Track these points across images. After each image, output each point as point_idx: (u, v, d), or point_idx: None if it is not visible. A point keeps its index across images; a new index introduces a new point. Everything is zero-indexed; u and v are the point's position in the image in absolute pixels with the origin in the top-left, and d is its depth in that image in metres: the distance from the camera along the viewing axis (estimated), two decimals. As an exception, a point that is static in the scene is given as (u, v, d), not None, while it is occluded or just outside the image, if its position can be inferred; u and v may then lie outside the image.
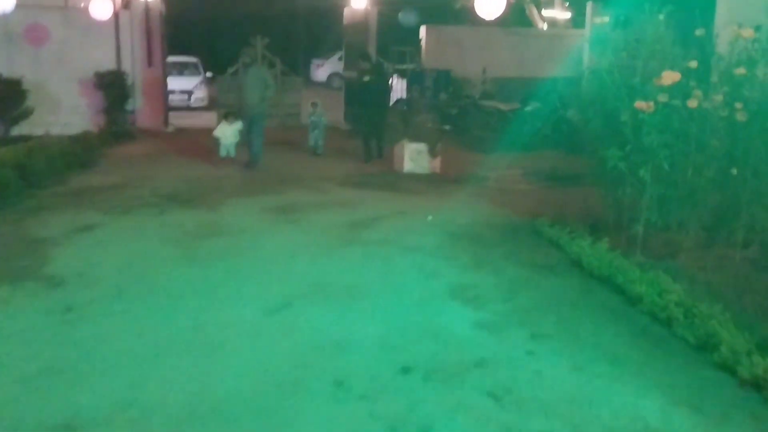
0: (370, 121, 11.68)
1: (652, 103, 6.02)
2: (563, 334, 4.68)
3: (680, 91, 6.04)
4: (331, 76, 27.23)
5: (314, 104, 12.42)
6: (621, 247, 6.27)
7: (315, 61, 28.92)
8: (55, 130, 14.04)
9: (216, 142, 11.07)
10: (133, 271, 5.87)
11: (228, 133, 11.12)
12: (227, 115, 11.31)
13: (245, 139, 11.02)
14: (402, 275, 5.87)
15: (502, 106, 13.85)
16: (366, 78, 11.67)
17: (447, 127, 14.02)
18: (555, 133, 12.86)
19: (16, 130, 14.49)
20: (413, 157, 10.76)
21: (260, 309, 5.04)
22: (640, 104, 6.07)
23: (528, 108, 13.42)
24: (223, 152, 11.09)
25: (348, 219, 7.73)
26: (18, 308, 5.03)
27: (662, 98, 6.00)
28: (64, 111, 14.94)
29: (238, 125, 11.03)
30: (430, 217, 7.90)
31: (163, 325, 4.73)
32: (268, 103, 11.20)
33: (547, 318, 4.97)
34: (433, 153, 10.79)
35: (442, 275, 5.87)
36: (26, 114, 14.57)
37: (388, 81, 12.10)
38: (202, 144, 12.30)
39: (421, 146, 10.80)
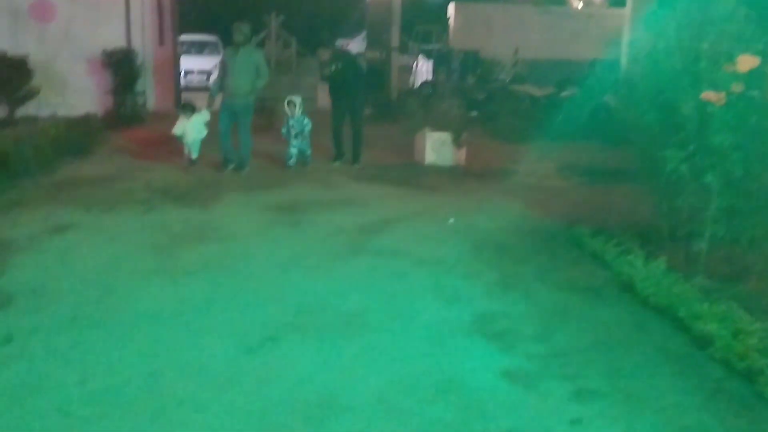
0: (341, 117, 9.66)
1: (723, 94, 4.94)
2: (615, 392, 3.67)
3: (759, 79, 4.95)
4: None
5: (290, 103, 9.19)
6: (679, 265, 5.23)
7: (340, 41, 27.89)
8: (63, 112, 13.23)
9: (179, 141, 9.11)
10: (97, 288, 4.96)
11: (189, 129, 8.95)
12: (184, 107, 9.18)
13: (228, 136, 8.87)
14: (414, 299, 4.89)
15: (535, 91, 12.72)
16: (333, 68, 9.58)
17: (474, 114, 12.96)
18: (593, 121, 11.73)
19: (22, 111, 13.75)
20: (435, 147, 9.73)
21: (237, 345, 4.09)
22: (708, 95, 5.00)
23: (563, 93, 12.30)
24: (193, 153, 9.08)
25: (357, 221, 6.75)
26: (-55, 338, 4.14)
27: (736, 88, 4.92)
28: (71, 91, 14.07)
29: (201, 117, 8.98)
30: (451, 220, 6.90)
31: (112, 369, 3.80)
32: (258, 94, 9.17)
33: (593, 366, 3.95)
34: (457, 143, 9.75)
35: (463, 299, 4.88)
36: (32, 94, 13.76)
37: (359, 70, 10.12)
38: (214, 128, 11.17)
39: (445, 136, 9.76)
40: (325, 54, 9.99)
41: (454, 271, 5.44)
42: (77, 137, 10.65)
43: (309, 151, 9.39)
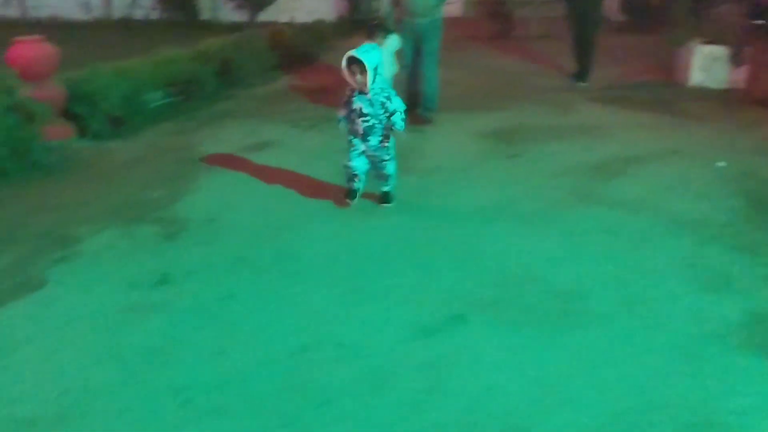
0: (578, 20, 7.90)
1: None
2: None
3: None
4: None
5: (353, 63, 4.21)
6: None
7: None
8: (301, 17, 13.13)
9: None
10: (276, 223, 4.33)
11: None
12: (374, 30, 6.12)
13: (409, 69, 6.59)
14: (658, 279, 3.57)
15: None
16: None
17: (761, 23, 10.41)
18: None
19: (263, 17, 13.90)
20: (705, 65, 7.82)
21: (411, 323, 3.18)
22: None
23: None
24: None
25: (590, 157, 5.42)
26: (97, 275, 3.74)
27: None
28: (308, -4, 13.94)
29: (392, 44, 6.36)
30: (720, 164, 5.28)
31: (256, 337, 3.09)
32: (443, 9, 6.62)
33: None
34: (736, 60, 7.72)
35: (731, 287, 3.47)
36: (271, -1, 13.86)
37: None
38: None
39: (718, 50, 7.77)
40: None
41: (721, 241, 3.99)
42: (302, 44, 10.30)
43: (392, 169, 4.55)
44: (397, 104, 4.34)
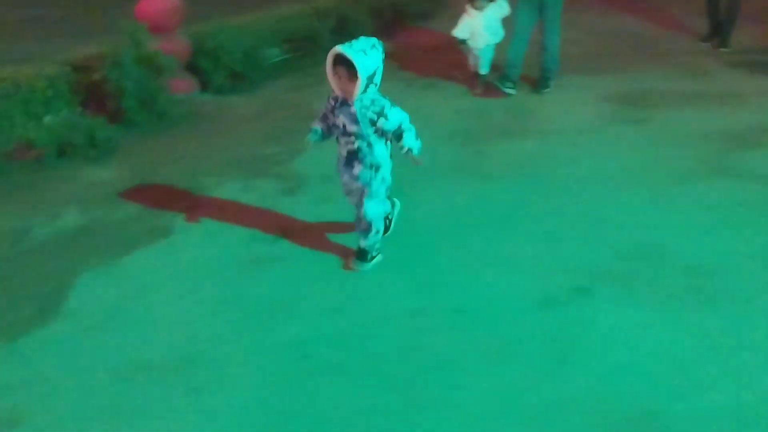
0: None
1: None
2: None
3: None
4: None
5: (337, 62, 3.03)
6: None
7: None
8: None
9: (463, 46, 6.04)
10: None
11: (480, 28, 5.85)
12: None
13: (518, 37, 5.88)
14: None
15: None
16: None
17: None
18: None
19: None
20: None
21: (532, 292, 3.08)
22: None
23: None
24: (483, 66, 6.05)
25: (725, 126, 5.04)
26: (220, 226, 3.85)
27: None
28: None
29: (498, 10, 5.88)
30: None
31: (370, 300, 3.09)
32: None
33: None
34: None
35: None
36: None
37: None
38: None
39: None
40: None
41: None
42: (415, 3, 10.11)
43: (375, 213, 3.31)
44: (397, 117, 3.08)
